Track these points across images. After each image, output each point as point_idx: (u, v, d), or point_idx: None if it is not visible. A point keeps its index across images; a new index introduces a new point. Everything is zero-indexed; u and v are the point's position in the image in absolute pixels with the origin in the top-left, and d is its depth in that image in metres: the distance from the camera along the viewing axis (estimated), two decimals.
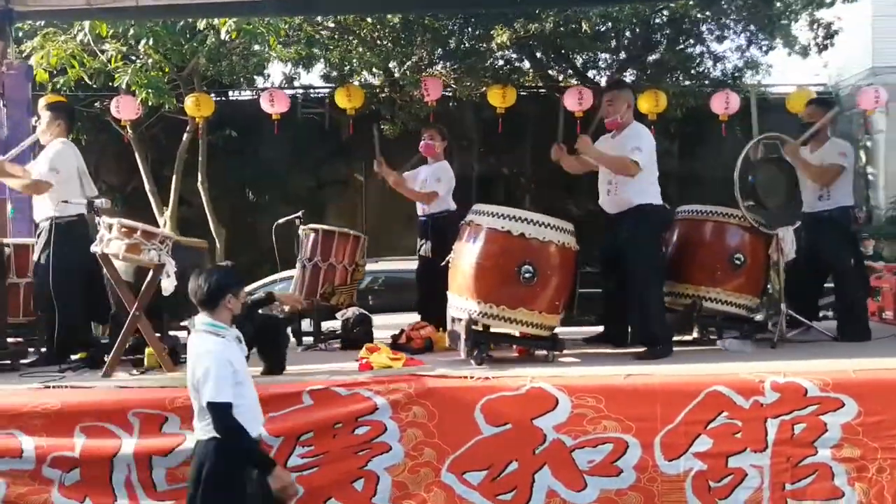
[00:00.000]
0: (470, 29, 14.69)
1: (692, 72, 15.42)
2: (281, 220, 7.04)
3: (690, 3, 14.24)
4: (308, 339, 6.57)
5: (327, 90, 16.35)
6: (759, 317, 6.21)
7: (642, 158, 5.41)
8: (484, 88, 12.76)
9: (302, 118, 15.71)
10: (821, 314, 6.76)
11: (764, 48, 15.51)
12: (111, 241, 4.98)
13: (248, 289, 5.39)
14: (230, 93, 16.44)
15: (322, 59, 15.16)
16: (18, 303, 5.93)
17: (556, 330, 5.30)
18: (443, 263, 5.49)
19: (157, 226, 9.17)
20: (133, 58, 11.79)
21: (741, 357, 5.19)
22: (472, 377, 4.67)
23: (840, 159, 6.07)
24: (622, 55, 15.86)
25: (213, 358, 3.81)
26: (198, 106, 10.53)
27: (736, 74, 15.35)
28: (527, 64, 15.96)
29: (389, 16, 13.65)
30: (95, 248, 5.05)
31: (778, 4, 14.51)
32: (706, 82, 15.10)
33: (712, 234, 5.93)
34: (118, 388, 4.79)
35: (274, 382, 4.72)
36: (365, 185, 17.05)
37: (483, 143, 16.27)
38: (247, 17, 10.56)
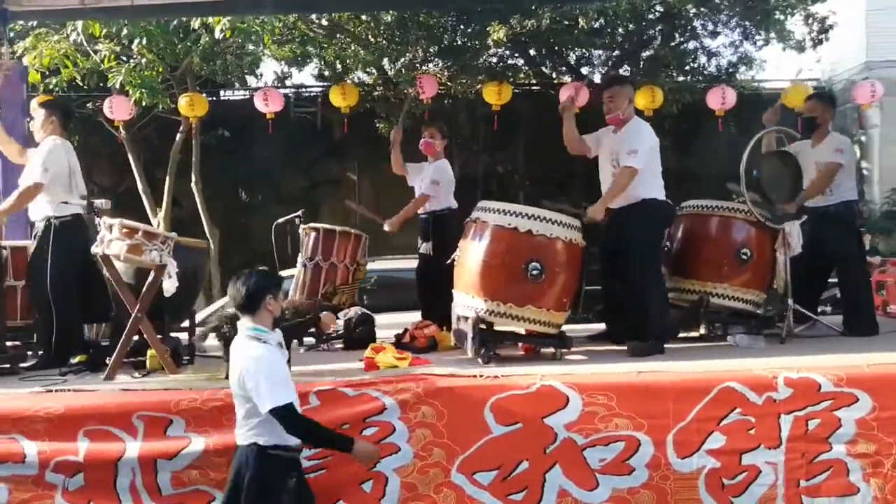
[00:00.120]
0: (463, 26, 14.64)
1: (686, 68, 15.40)
2: (281, 220, 6.96)
3: None
4: (310, 340, 6.49)
5: (319, 89, 16.30)
6: (761, 311, 6.17)
7: (637, 161, 5.37)
8: (479, 86, 12.71)
9: (294, 118, 15.62)
10: (819, 309, 6.72)
11: (758, 43, 15.50)
12: (112, 241, 4.93)
13: None
14: (222, 92, 16.34)
15: (316, 58, 15.08)
16: (16, 306, 5.84)
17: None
18: (448, 261, 5.43)
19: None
20: (126, 58, 11.70)
21: (752, 353, 5.16)
22: (481, 376, 4.61)
23: (836, 156, 6.03)
24: (616, 52, 15.84)
25: (263, 365, 3.86)
26: (191, 106, 10.43)
27: (730, 70, 15.35)
28: (521, 61, 15.91)
29: (384, 13, 13.59)
30: (96, 249, 4.99)
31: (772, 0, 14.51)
32: (700, 78, 15.09)
33: (718, 229, 5.91)
34: (122, 390, 4.71)
35: None
36: (358, 185, 17.00)
37: (477, 140, 16.22)
38: (243, 16, 10.49)
